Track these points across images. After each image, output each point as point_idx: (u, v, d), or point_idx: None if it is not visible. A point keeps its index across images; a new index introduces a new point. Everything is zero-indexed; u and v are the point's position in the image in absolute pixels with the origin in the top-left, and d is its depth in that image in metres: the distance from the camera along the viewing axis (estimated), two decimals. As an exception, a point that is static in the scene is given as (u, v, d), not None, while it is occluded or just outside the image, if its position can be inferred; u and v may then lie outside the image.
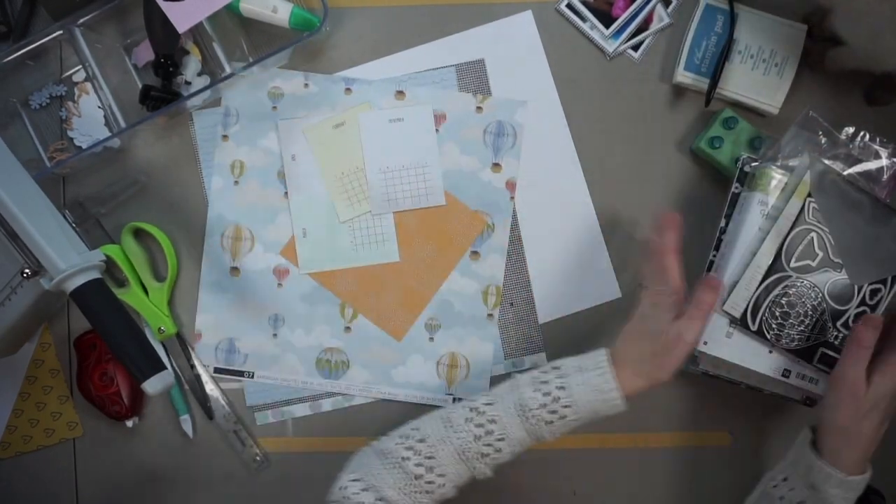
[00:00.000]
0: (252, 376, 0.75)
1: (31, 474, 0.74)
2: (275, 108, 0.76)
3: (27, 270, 0.58)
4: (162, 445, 0.74)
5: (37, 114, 0.75)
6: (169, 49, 0.72)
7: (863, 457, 0.60)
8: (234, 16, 0.73)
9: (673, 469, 0.75)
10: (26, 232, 0.57)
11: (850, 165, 0.69)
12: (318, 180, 0.75)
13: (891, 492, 0.69)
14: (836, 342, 0.66)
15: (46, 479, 0.74)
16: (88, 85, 0.75)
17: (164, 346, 0.74)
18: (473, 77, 0.76)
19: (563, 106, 0.76)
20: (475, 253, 0.75)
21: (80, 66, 0.75)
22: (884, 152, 0.70)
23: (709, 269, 0.70)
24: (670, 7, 0.77)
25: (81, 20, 0.72)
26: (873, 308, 0.66)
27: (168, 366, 0.68)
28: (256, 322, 0.75)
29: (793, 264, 0.66)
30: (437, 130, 0.76)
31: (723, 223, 0.70)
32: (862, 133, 0.70)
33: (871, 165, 0.70)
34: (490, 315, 0.75)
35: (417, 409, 0.74)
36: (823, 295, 0.66)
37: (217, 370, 0.75)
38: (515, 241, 0.75)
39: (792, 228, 0.66)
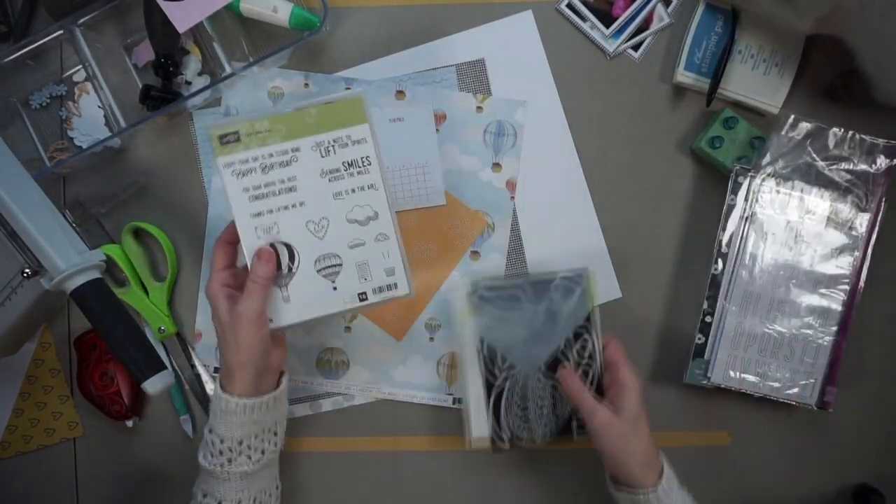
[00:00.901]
0: (252, 376, 0.75)
1: (32, 474, 0.74)
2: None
3: (27, 270, 0.59)
4: (162, 445, 0.74)
5: (37, 114, 0.75)
6: (169, 49, 0.72)
7: (654, 463, 0.61)
8: (234, 16, 0.73)
9: (673, 469, 0.75)
10: (26, 232, 0.57)
11: (842, 166, 0.70)
12: (318, 180, 0.75)
13: (891, 492, 0.69)
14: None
15: (46, 478, 0.74)
16: (88, 85, 0.75)
17: (164, 345, 0.74)
18: (473, 77, 0.76)
19: (563, 106, 0.76)
20: (475, 253, 0.75)
21: (80, 66, 0.75)
22: (875, 151, 0.70)
23: (712, 282, 0.70)
24: (670, 7, 0.77)
25: (81, 20, 0.72)
26: (591, 358, 0.67)
27: (168, 366, 0.68)
28: (256, 322, 0.75)
29: (503, 367, 0.67)
30: (437, 130, 0.76)
31: (721, 235, 0.70)
32: (851, 133, 0.70)
33: (863, 165, 0.70)
34: (490, 315, 0.75)
35: (417, 409, 0.74)
36: (540, 376, 0.67)
37: (217, 370, 0.75)
38: (515, 241, 0.75)
39: (477, 351, 0.67)
